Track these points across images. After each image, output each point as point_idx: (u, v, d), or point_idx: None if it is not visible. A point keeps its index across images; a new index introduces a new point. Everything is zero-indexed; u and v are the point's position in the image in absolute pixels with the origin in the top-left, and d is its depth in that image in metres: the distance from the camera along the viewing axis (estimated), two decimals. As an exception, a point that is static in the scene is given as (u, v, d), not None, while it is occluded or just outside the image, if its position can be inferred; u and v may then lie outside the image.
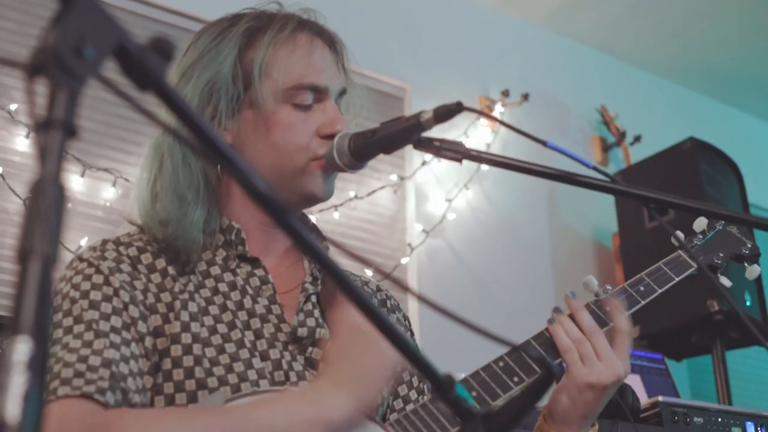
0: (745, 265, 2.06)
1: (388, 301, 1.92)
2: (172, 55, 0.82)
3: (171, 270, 1.63)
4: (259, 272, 1.70)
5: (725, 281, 2.00)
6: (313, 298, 1.74)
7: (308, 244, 0.81)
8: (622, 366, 1.71)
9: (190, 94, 1.69)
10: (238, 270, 1.69)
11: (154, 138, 1.73)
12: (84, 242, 3.60)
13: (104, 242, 1.63)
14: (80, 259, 1.60)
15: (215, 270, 1.68)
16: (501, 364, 1.66)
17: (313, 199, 1.72)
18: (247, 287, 1.68)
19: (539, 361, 0.83)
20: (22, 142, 3.63)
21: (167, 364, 1.53)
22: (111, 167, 3.79)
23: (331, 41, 1.80)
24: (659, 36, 5.70)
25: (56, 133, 0.70)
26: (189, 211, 1.66)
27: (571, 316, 1.78)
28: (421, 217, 4.58)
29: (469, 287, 4.61)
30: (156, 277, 1.61)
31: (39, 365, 0.59)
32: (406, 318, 1.94)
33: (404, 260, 4.44)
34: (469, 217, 4.76)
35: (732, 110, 6.37)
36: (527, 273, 4.86)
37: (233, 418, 1.38)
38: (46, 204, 0.65)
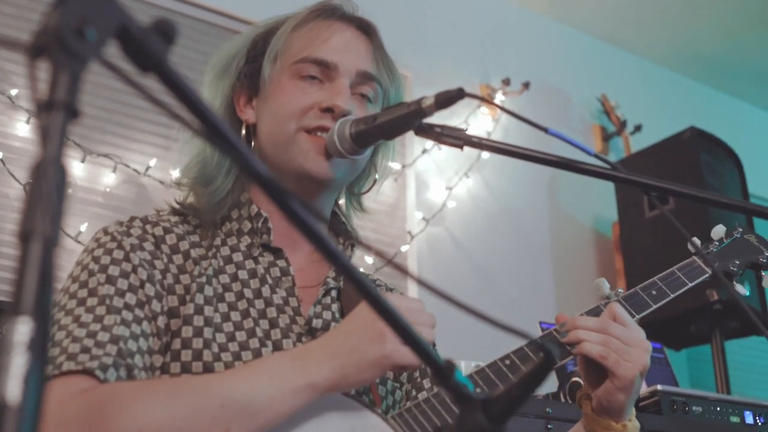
0: (763, 274, 2.04)
1: (381, 288, 1.93)
2: (174, 37, 0.82)
3: (194, 253, 1.65)
4: (281, 263, 1.71)
5: (741, 289, 1.98)
6: (333, 293, 1.75)
7: (309, 228, 0.81)
8: (643, 337, 1.69)
9: (209, 71, 1.80)
10: (260, 258, 1.70)
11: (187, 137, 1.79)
12: (84, 228, 3.60)
13: (132, 219, 1.66)
14: (105, 232, 1.62)
15: (237, 256, 1.69)
16: (507, 362, 1.65)
17: (307, 176, 1.69)
18: (267, 276, 1.69)
19: (538, 347, 0.82)
20: (23, 128, 3.63)
21: (177, 344, 1.54)
22: (111, 153, 3.78)
23: (358, 25, 1.82)
24: (660, 25, 5.69)
25: (58, 114, 0.70)
26: (215, 179, 1.70)
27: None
28: (422, 204, 4.58)
29: (468, 275, 4.61)
30: (178, 259, 1.62)
31: (40, 346, 0.59)
32: None
33: (404, 248, 4.45)
34: (469, 205, 4.76)
35: (732, 100, 6.36)
36: (527, 261, 4.87)
37: (220, 387, 1.37)
38: (48, 185, 0.65)
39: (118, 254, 1.56)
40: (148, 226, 1.64)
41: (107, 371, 1.41)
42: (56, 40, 0.71)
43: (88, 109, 3.64)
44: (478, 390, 1.61)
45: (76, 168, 3.69)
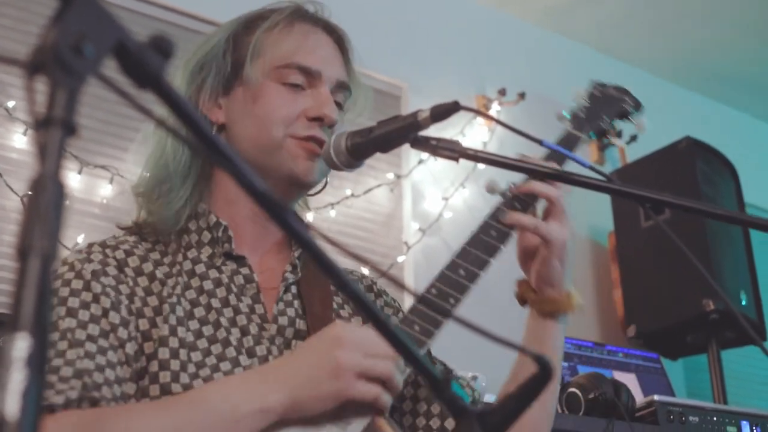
0: (632, 120, 2.05)
1: (374, 286, 1.94)
2: (172, 53, 0.82)
3: (158, 273, 1.63)
4: (244, 270, 1.70)
5: (618, 141, 1.99)
6: (293, 288, 1.74)
7: (305, 240, 0.81)
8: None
9: (183, 69, 1.75)
10: (223, 268, 1.69)
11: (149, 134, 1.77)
12: (81, 239, 3.60)
13: (90, 245, 1.63)
14: (64, 263, 1.59)
15: (200, 268, 1.68)
16: (434, 291, 1.65)
17: (295, 181, 1.71)
18: (232, 285, 1.68)
19: (535, 359, 0.82)
20: (20, 139, 3.63)
21: (154, 366, 1.52)
22: (108, 164, 3.79)
23: (335, 35, 1.82)
24: (656, 35, 5.71)
25: (56, 131, 0.70)
26: (173, 188, 1.69)
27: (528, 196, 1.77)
28: (418, 215, 4.58)
29: (465, 286, 4.61)
30: (143, 281, 1.60)
31: (38, 362, 0.59)
32: (395, 300, 1.96)
33: (400, 258, 4.45)
34: (465, 215, 4.76)
35: (728, 109, 6.37)
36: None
37: (175, 412, 1.37)
38: (46, 201, 0.66)
39: (77, 284, 1.54)
40: (108, 251, 1.62)
41: (71, 405, 1.39)
42: (54, 57, 0.72)
43: (85, 120, 3.64)
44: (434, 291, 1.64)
45: (73, 179, 3.69)
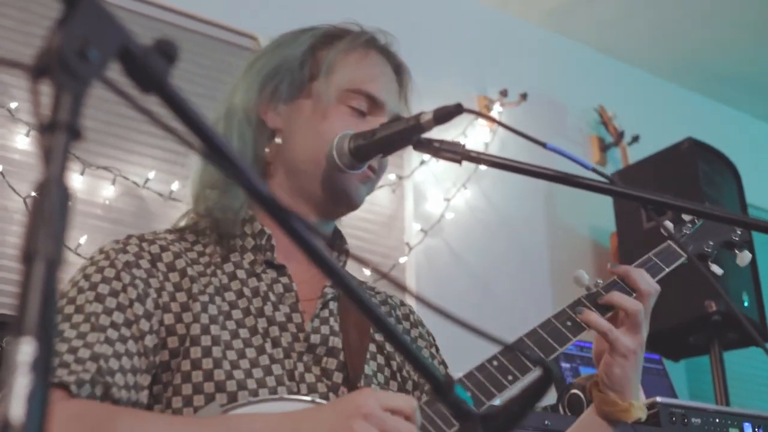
0: (736, 252, 2.05)
1: (411, 316, 1.95)
2: (176, 57, 0.83)
3: (190, 271, 1.66)
4: (284, 279, 1.74)
5: (717, 269, 2.00)
6: (332, 305, 1.76)
7: (308, 245, 0.81)
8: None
9: (257, 69, 1.81)
10: (263, 275, 1.73)
11: (212, 120, 1.81)
12: (83, 240, 3.60)
13: (128, 237, 1.69)
14: (100, 251, 1.64)
15: (241, 273, 1.71)
16: (495, 363, 1.66)
17: (345, 199, 1.77)
18: (270, 294, 1.71)
19: (538, 362, 0.83)
20: (23, 141, 3.63)
21: (186, 365, 1.56)
22: (110, 166, 3.79)
23: (400, 72, 1.92)
24: (657, 36, 5.71)
25: (61, 135, 0.70)
26: (231, 192, 1.73)
27: (623, 280, 1.85)
28: (420, 216, 4.58)
29: (467, 286, 4.61)
30: (174, 276, 1.64)
31: (43, 366, 0.59)
32: (429, 334, 1.96)
33: (402, 259, 4.45)
34: (467, 216, 4.76)
35: (730, 110, 6.37)
36: (525, 272, 4.87)
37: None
38: (51, 205, 0.66)
39: (110, 272, 1.58)
40: (144, 244, 1.67)
41: (82, 387, 1.41)
42: (59, 61, 0.72)
43: (87, 121, 3.62)
44: (469, 394, 1.62)
45: (76, 180, 3.69)
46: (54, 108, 0.71)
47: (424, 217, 4.59)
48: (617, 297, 1.80)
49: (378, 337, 1.80)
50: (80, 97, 0.73)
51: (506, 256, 4.84)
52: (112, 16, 0.78)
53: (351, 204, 1.79)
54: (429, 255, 4.56)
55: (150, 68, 0.80)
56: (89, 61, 0.74)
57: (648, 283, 1.81)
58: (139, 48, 0.80)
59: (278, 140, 1.78)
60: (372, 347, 1.77)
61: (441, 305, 0.89)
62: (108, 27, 0.77)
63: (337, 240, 1.91)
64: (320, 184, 1.74)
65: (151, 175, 3.87)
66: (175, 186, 3.91)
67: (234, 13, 4.33)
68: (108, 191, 3.79)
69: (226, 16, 4.30)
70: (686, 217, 2.06)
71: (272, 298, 1.70)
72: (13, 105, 3.62)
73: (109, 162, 3.80)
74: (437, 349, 1.95)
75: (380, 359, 1.78)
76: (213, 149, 0.82)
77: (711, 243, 2.03)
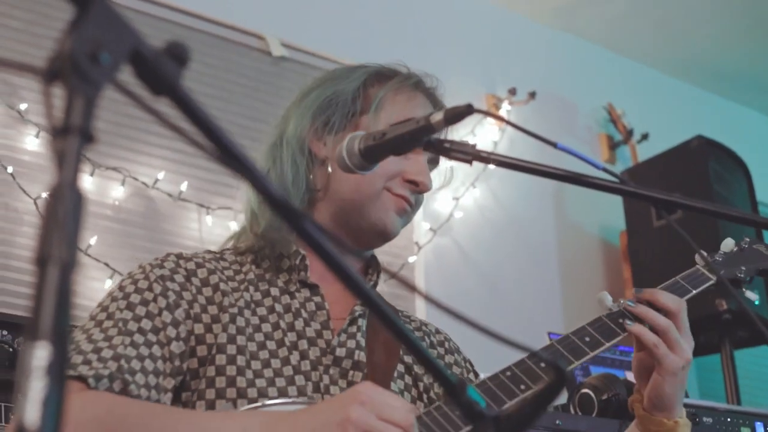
0: None
1: (447, 343, 1.97)
2: (187, 60, 0.82)
3: (223, 286, 1.74)
4: (317, 298, 1.80)
5: (751, 295, 1.99)
6: (360, 321, 1.81)
7: (323, 249, 0.81)
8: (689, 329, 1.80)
9: (311, 100, 1.89)
10: (296, 294, 1.80)
11: (267, 145, 1.90)
12: (93, 241, 3.61)
13: (167, 254, 1.77)
14: (139, 266, 1.73)
15: (275, 291, 1.78)
16: (508, 373, 1.66)
17: (381, 230, 1.83)
18: (302, 311, 1.77)
19: (550, 364, 0.82)
20: (32, 142, 3.64)
21: (211, 371, 1.62)
22: (120, 166, 3.80)
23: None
24: (666, 33, 5.70)
25: (73, 138, 0.70)
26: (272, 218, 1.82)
27: (650, 304, 1.81)
28: (428, 215, 4.58)
29: (475, 285, 4.61)
30: (207, 291, 1.71)
31: (58, 371, 0.60)
32: (466, 360, 1.98)
33: (411, 259, 4.45)
34: (476, 215, 4.76)
35: (740, 108, 6.36)
36: (534, 271, 4.87)
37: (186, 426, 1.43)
38: (64, 210, 0.66)
39: (143, 284, 1.66)
40: (181, 261, 1.75)
41: (100, 381, 1.47)
42: (71, 65, 0.72)
43: (96, 122, 3.64)
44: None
45: (85, 181, 3.70)
46: (67, 112, 0.71)
47: (433, 216, 4.59)
48: (645, 312, 1.79)
49: (407, 358, 1.83)
50: (92, 101, 0.73)
51: (515, 255, 4.83)
52: (124, 18, 0.78)
53: (386, 234, 1.85)
54: (438, 254, 4.56)
55: (161, 71, 0.80)
56: (101, 64, 0.74)
57: (673, 299, 1.80)
58: (150, 51, 0.80)
59: (330, 169, 1.85)
60: (400, 367, 1.80)
61: (448, 304, 0.89)
62: (119, 30, 0.77)
63: (371, 258, 1.96)
64: (360, 213, 1.81)
65: (161, 175, 3.88)
66: (183, 186, 3.92)
67: (241, 13, 4.33)
68: (117, 192, 3.80)
69: (233, 17, 4.31)
70: (724, 248, 2.05)
71: (304, 315, 1.77)
72: (23, 106, 3.63)
73: (119, 163, 3.81)
74: (476, 375, 1.96)
75: (408, 379, 1.80)
76: (224, 151, 0.82)
77: (743, 268, 2.02)
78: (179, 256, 1.77)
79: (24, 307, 3.41)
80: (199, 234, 3.96)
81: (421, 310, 4.15)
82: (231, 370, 1.61)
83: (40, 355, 0.60)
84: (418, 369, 1.82)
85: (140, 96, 0.80)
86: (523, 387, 1.64)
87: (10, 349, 2.72)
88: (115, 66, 0.76)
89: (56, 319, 0.61)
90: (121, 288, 1.66)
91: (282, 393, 1.61)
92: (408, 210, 1.85)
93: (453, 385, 0.93)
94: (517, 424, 0.93)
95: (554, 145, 1.39)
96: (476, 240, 4.72)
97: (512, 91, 5.00)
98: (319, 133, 1.87)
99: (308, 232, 0.81)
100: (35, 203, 3.54)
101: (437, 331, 1.98)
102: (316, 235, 0.81)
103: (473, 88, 4.96)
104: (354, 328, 1.78)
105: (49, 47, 3.65)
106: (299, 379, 1.65)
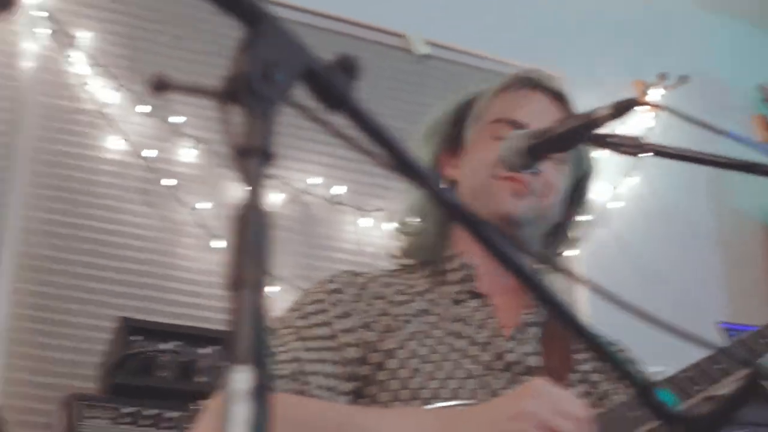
0: None
1: (622, 354, 1.93)
2: (357, 72, 0.83)
3: (395, 297, 1.77)
4: (486, 308, 1.79)
5: None
6: (533, 329, 1.79)
7: (505, 256, 0.80)
8: None
9: (434, 126, 1.94)
10: (465, 304, 1.80)
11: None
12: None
13: (343, 271, 1.83)
14: (319, 282, 1.78)
15: (445, 301, 1.79)
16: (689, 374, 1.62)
17: (504, 218, 1.78)
18: (472, 319, 1.77)
19: (744, 363, 0.80)
20: (188, 153, 3.74)
21: (384, 375, 1.64)
22: (275, 173, 3.86)
23: (552, 93, 1.92)
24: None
25: (255, 159, 0.71)
26: (427, 227, 1.88)
27: None
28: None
29: (633, 276, 4.53)
30: (379, 303, 1.75)
31: (261, 393, 0.60)
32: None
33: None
34: (634, 205, 4.69)
35: None
36: (696, 260, 4.76)
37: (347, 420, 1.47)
38: (253, 232, 0.67)
39: (318, 296, 1.72)
40: (354, 277, 1.80)
41: (279, 381, 1.53)
42: (246, 86, 0.73)
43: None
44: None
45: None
46: (247, 133, 0.71)
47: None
48: None
49: (583, 367, 1.79)
50: (270, 121, 0.73)
51: (674, 244, 4.74)
52: (294, 37, 0.78)
53: (509, 220, 1.78)
54: (596, 246, 4.50)
55: (334, 86, 0.80)
56: (276, 83, 0.74)
57: None
58: (322, 67, 0.80)
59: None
60: (575, 376, 1.76)
61: (622, 299, 0.87)
62: (291, 48, 0.78)
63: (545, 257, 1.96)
64: (484, 211, 1.77)
65: (317, 180, 3.93)
66: (339, 190, 3.97)
67: (382, 13, 4.35)
68: (275, 198, 3.87)
69: (373, 17, 4.33)
70: None
71: (474, 322, 1.76)
72: (180, 120, 3.73)
73: (274, 169, 3.87)
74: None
75: (583, 387, 1.76)
76: (400, 162, 0.82)
77: None
78: (352, 272, 1.81)
79: (188, 317, 3.50)
80: (356, 236, 3.99)
81: (582, 305, 4.11)
82: (404, 373, 1.63)
83: (242, 378, 0.60)
84: (593, 378, 1.80)
85: (311, 109, 0.80)
86: (696, 388, 1.59)
87: (181, 360, 2.80)
88: (289, 84, 0.77)
89: (255, 341, 0.62)
90: (299, 301, 1.73)
91: (455, 395, 1.61)
92: (524, 192, 1.77)
93: (642, 385, 0.91)
94: (709, 427, 0.90)
95: (727, 133, 1.35)
96: (633, 230, 4.65)
97: (662, 76, 4.88)
98: (449, 154, 1.91)
99: (489, 238, 0.80)
100: (192, 215, 3.63)
101: (611, 343, 1.95)
102: (498, 240, 0.80)
103: (620, 74, 4.88)
104: (526, 334, 1.77)
105: (216, 67, 3.69)
106: (471, 383, 1.65)
